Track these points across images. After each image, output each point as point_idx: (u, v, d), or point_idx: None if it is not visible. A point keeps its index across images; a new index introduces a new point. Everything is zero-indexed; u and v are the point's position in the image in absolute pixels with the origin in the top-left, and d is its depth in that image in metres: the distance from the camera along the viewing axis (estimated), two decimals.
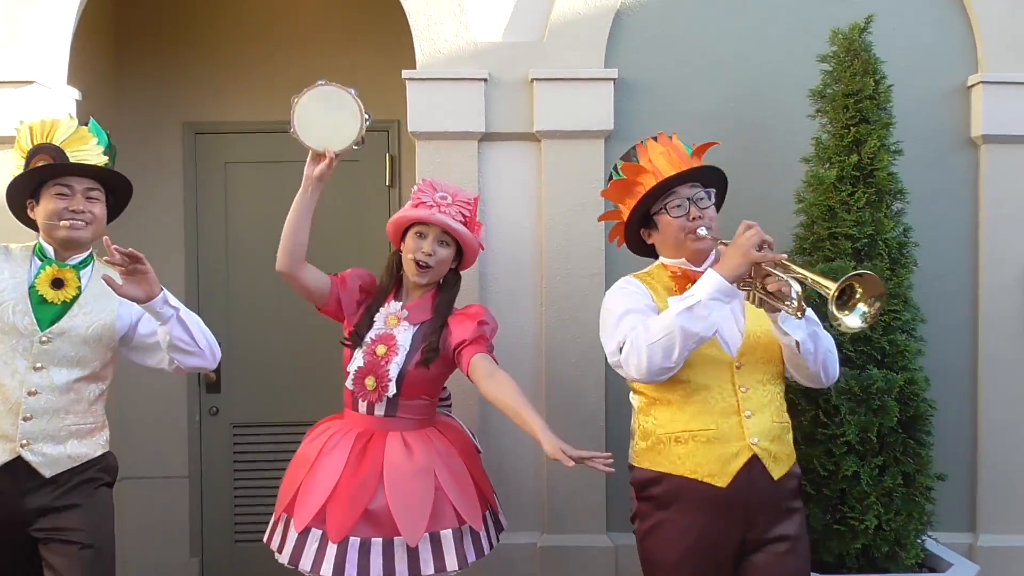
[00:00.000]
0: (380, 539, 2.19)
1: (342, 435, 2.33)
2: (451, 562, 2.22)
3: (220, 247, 3.89)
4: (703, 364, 2.00)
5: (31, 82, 2.82)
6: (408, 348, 2.30)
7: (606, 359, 2.86)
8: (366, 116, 2.24)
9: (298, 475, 2.32)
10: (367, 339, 2.33)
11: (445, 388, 2.55)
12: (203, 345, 2.24)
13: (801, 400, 2.47)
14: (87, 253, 2.31)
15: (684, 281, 2.07)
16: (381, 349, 2.30)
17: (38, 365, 2.16)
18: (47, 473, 2.14)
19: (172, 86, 3.85)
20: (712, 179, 2.15)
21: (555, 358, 2.91)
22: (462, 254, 2.40)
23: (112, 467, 2.32)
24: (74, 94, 3.05)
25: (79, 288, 2.24)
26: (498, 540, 2.42)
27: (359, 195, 3.88)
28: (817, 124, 2.64)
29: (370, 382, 2.30)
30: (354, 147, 2.28)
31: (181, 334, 2.19)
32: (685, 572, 2.01)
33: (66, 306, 2.22)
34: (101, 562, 2.17)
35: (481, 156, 2.93)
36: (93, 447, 2.24)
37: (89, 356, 2.22)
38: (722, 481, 1.97)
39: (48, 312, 2.20)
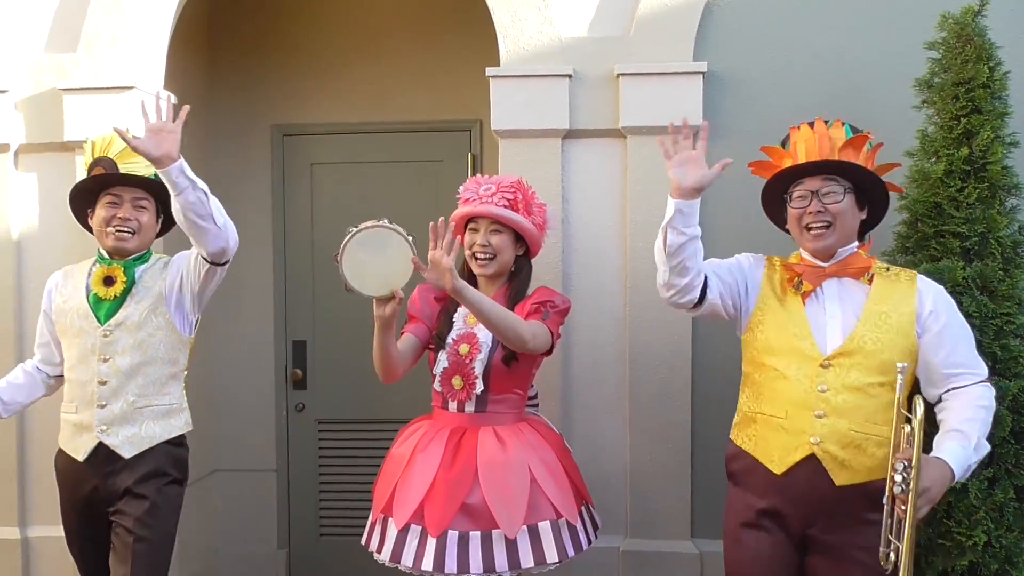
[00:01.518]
0: (479, 532, 2.20)
1: (435, 433, 2.35)
2: (551, 554, 2.22)
3: (306, 246, 3.96)
4: (790, 354, 2.03)
5: (131, 87, 2.93)
6: (491, 344, 2.31)
7: (692, 361, 2.82)
8: (409, 238, 2.14)
9: (393, 475, 2.35)
10: (449, 339, 2.36)
11: (533, 387, 2.53)
12: (220, 221, 2.28)
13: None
14: (145, 251, 2.45)
15: (792, 276, 2.10)
16: (464, 348, 2.32)
17: (105, 357, 2.34)
18: (127, 454, 2.34)
19: (261, 90, 3.94)
20: (857, 175, 2.06)
21: (640, 359, 2.85)
22: (524, 240, 2.41)
23: (184, 464, 2.46)
24: (171, 98, 3.15)
25: (128, 281, 2.38)
26: (596, 537, 2.40)
27: (441, 195, 3.87)
28: (923, 116, 2.49)
29: (457, 381, 2.32)
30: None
31: (196, 200, 2.21)
32: (745, 551, 2.07)
33: (119, 300, 2.38)
34: (153, 556, 2.33)
35: (565, 154, 2.89)
36: (168, 428, 2.41)
37: (149, 340, 2.37)
38: (778, 468, 2.01)
39: (104, 308, 2.38)
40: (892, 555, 1.85)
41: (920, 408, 1.81)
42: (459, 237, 2.24)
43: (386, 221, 2.14)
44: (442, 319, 2.40)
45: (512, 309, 2.32)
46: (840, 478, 1.96)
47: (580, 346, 2.90)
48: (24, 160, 3.05)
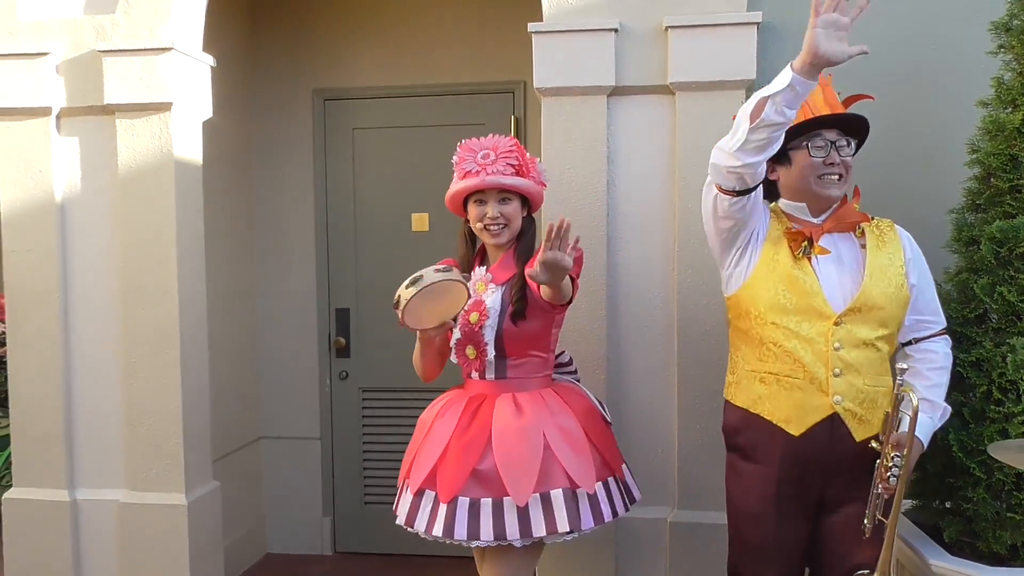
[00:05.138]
0: (490, 499, 2.15)
1: (457, 400, 2.32)
2: (562, 523, 2.13)
3: (348, 211, 3.92)
4: (802, 313, 1.99)
5: (169, 48, 2.89)
6: (499, 308, 2.25)
7: None
8: (465, 280, 2.23)
9: (416, 441, 2.34)
10: (461, 311, 2.30)
11: (565, 353, 2.46)
12: None
13: (972, 374, 2.20)
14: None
15: (799, 239, 2.04)
16: (474, 317, 2.27)
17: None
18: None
19: (302, 53, 3.89)
20: (853, 130, 2.08)
21: (688, 323, 2.74)
22: (528, 200, 2.34)
23: None
24: (209, 60, 3.12)
25: None
26: (626, 510, 2.32)
27: None
28: (999, 62, 2.31)
29: (471, 351, 2.28)
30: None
31: None
32: (766, 523, 2.04)
33: None
34: None
35: (610, 112, 2.78)
36: None
37: None
38: (796, 430, 1.99)
39: None
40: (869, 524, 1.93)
41: (915, 399, 1.85)
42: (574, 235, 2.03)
43: (444, 268, 2.19)
44: None
45: (520, 269, 2.27)
46: (859, 434, 1.97)
47: (626, 313, 2.80)
48: (66, 124, 3.05)
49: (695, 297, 2.73)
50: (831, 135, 2.03)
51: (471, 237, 2.39)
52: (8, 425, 3.25)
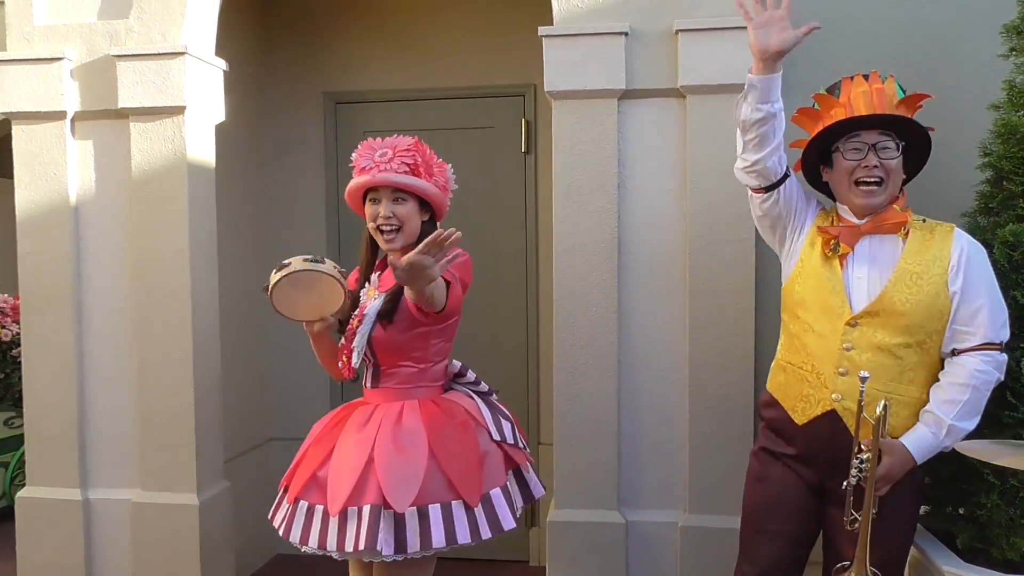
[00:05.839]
0: (322, 506, 2.10)
1: (344, 406, 2.32)
2: (363, 542, 1.98)
3: (359, 215, 3.93)
4: (819, 309, 2.03)
5: (182, 53, 2.92)
6: (373, 316, 2.17)
7: (756, 330, 2.70)
8: (338, 275, 2.14)
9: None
10: (340, 307, 2.22)
11: (466, 370, 2.33)
12: None
13: None
14: None
15: (829, 239, 2.06)
16: (356, 323, 2.20)
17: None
18: None
19: (313, 57, 3.91)
20: (910, 133, 2.02)
21: (699, 326, 2.74)
22: (431, 205, 2.25)
23: None
24: (221, 64, 3.15)
25: None
26: (471, 540, 2.07)
27: (494, 162, 3.81)
28: (1011, 65, 2.30)
29: (345, 357, 2.22)
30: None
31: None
32: (771, 486, 2.11)
33: None
34: None
35: (621, 115, 2.78)
36: None
37: None
38: (800, 419, 2.05)
39: None
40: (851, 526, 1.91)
41: (880, 407, 1.83)
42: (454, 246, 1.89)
43: (313, 258, 2.14)
44: (350, 305, 2.27)
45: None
46: (860, 435, 1.94)
47: (637, 316, 2.80)
48: (80, 127, 3.08)
49: (706, 299, 2.73)
50: (870, 136, 1.99)
51: (374, 242, 2.28)
52: (22, 425, 3.28)
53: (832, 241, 2.05)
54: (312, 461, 2.17)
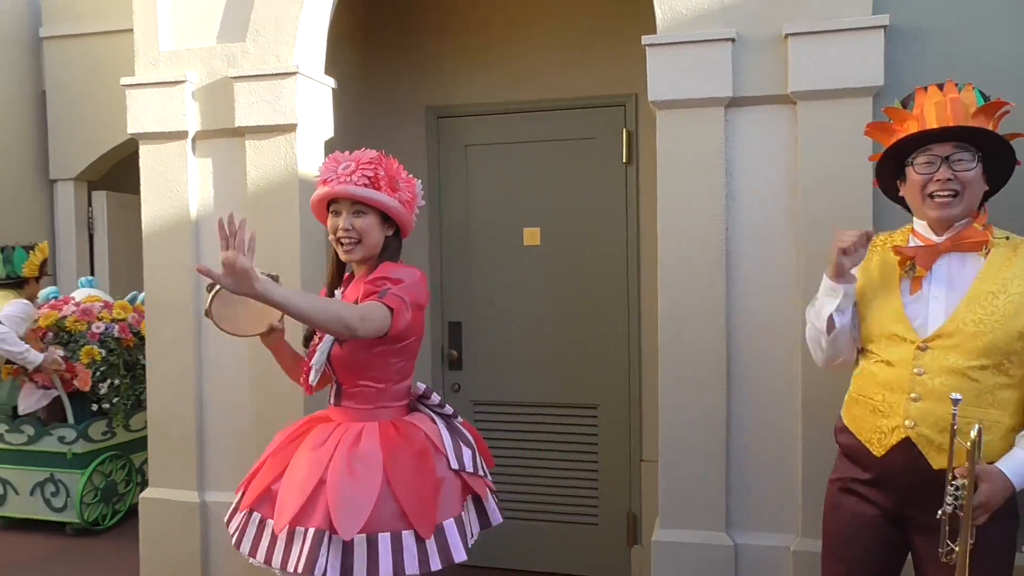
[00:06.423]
0: (272, 520, 2.10)
1: (308, 419, 2.31)
2: (303, 564, 1.97)
3: (461, 226, 3.98)
4: (886, 339, 1.99)
5: (294, 72, 3.03)
6: None
7: None
8: (269, 276, 2.01)
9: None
10: (315, 334, 2.22)
11: (429, 391, 2.28)
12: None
13: None
14: None
15: (904, 259, 2.00)
16: (317, 340, 2.18)
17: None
18: None
19: (416, 73, 3.99)
20: (993, 144, 1.94)
21: None
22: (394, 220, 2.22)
23: None
24: (330, 82, 3.25)
25: None
26: (419, 571, 2.03)
27: (596, 173, 3.78)
28: None
29: (305, 374, 2.21)
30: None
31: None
32: (843, 516, 2.07)
33: None
34: None
35: (728, 123, 2.71)
36: None
37: None
38: (877, 451, 1.98)
39: None
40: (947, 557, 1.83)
41: (974, 432, 1.75)
42: (250, 232, 1.85)
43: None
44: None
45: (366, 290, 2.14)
46: (937, 462, 1.89)
47: (746, 332, 2.71)
48: (200, 146, 3.24)
49: None
50: (943, 149, 1.93)
51: (337, 254, 2.26)
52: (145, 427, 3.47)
53: (908, 262, 1.99)
54: (268, 473, 2.18)
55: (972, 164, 1.92)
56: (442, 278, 4.01)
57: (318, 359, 2.15)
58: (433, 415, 2.27)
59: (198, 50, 3.19)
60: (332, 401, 2.24)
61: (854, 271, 2.05)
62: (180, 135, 3.20)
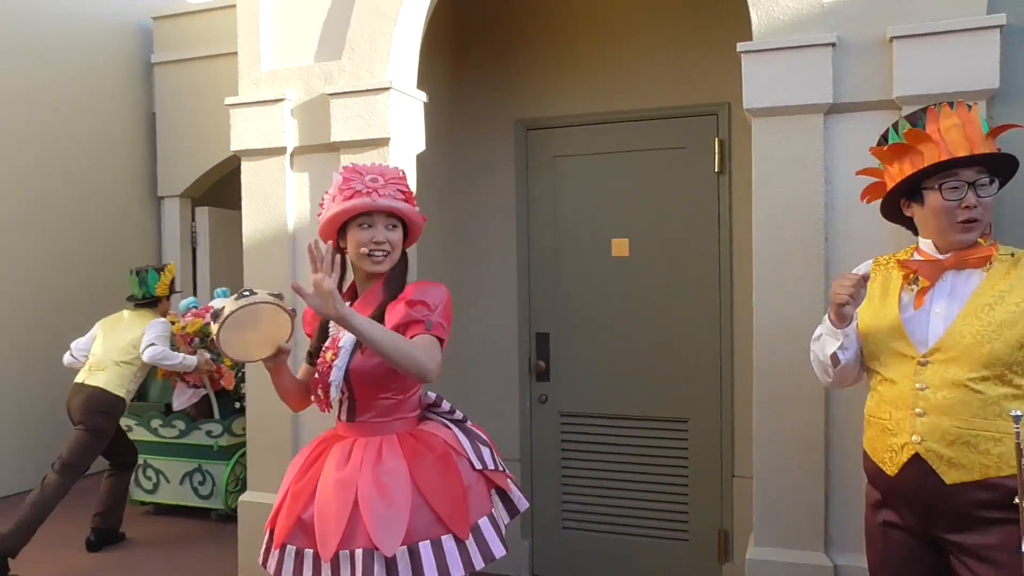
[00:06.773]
0: (311, 550, 2.04)
1: (318, 441, 2.25)
2: None
3: (549, 237, 3.98)
4: (888, 356, 2.00)
5: (387, 88, 3.09)
6: (350, 347, 2.10)
7: None
8: (274, 298, 2.08)
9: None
10: (322, 350, 2.17)
11: (435, 395, 2.27)
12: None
13: None
14: None
15: (909, 273, 2.02)
16: (330, 355, 2.12)
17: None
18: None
19: (505, 85, 4.02)
20: (999, 166, 1.96)
21: None
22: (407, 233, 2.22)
23: None
24: (422, 97, 3.30)
25: None
26: (465, 573, 2.05)
27: (687, 183, 3.73)
28: None
29: (321, 391, 2.14)
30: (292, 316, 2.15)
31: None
32: (876, 546, 2.06)
33: None
34: None
35: (827, 130, 2.62)
36: None
37: None
38: (890, 470, 1.98)
39: None
40: None
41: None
42: (333, 248, 1.91)
43: (247, 293, 2.07)
44: (317, 334, 2.22)
45: (389, 299, 2.13)
46: (950, 476, 1.88)
47: None
48: (298, 160, 3.34)
49: None
50: (969, 174, 1.93)
51: (342, 270, 2.20)
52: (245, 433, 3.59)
53: (912, 275, 2.00)
54: (295, 504, 2.12)
55: (992, 190, 1.95)
56: (530, 288, 4.02)
57: (336, 375, 2.10)
58: (446, 422, 2.27)
59: (297, 69, 3.30)
60: (343, 418, 2.19)
61: (856, 310, 2.04)
62: (279, 151, 3.31)
